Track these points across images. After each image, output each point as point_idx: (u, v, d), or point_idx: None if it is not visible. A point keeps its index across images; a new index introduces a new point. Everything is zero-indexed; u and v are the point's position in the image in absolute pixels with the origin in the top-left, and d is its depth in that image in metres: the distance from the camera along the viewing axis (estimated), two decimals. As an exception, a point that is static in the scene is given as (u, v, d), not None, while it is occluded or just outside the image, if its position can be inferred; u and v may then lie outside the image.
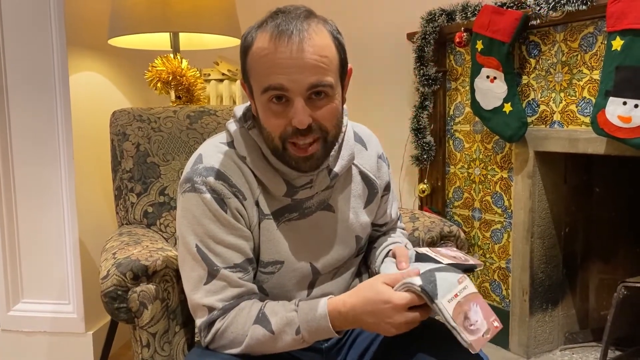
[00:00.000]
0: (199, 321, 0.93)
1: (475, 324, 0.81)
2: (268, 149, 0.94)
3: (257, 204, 0.95)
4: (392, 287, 0.84)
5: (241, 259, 0.93)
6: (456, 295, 0.82)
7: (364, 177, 1.08)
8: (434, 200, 2.27)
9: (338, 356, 1.08)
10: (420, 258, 0.96)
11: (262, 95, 0.87)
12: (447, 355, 0.92)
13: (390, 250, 1.07)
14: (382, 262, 1.08)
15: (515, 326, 1.98)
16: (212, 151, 0.96)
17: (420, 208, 2.31)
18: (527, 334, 1.94)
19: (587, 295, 2.07)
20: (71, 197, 1.89)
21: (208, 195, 0.91)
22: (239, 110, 0.99)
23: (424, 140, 2.20)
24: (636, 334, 1.89)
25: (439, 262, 0.91)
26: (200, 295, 0.91)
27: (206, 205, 0.91)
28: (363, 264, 1.17)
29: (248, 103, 0.99)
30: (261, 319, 0.89)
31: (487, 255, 2.11)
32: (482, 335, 0.81)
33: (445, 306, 0.80)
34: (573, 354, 1.96)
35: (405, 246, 1.12)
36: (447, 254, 0.96)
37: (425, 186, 2.26)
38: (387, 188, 1.14)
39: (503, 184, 2.03)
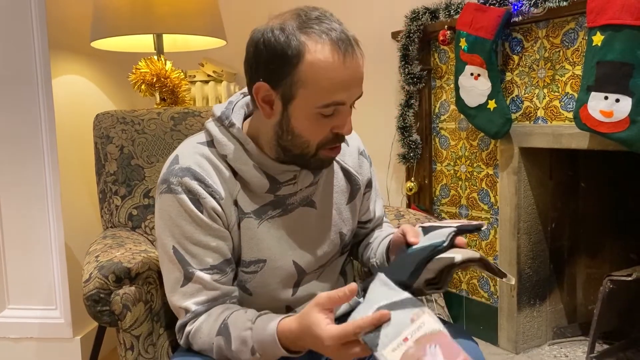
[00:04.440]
0: (177, 323, 0.94)
1: None
2: (257, 147, 0.93)
3: (235, 203, 0.94)
4: (329, 311, 0.77)
5: (218, 260, 0.92)
6: (406, 340, 0.69)
7: (346, 173, 1.08)
8: (422, 198, 2.28)
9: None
10: (427, 230, 0.91)
11: (318, 108, 0.86)
12: None
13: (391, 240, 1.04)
14: (385, 253, 1.05)
15: (503, 322, 1.99)
16: (189, 152, 0.95)
17: (408, 206, 2.32)
18: (515, 330, 1.95)
19: (574, 290, 2.08)
20: (56, 201, 1.87)
21: (184, 196, 0.90)
22: (218, 109, 0.98)
23: (410, 138, 2.21)
24: (623, 327, 1.91)
25: (446, 227, 0.87)
26: (177, 297, 0.92)
27: (182, 206, 0.90)
28: (348, 262, 1.17)
29: (226, 102, 0.99)
30: (223, 331, 0.87)
31: (475, 252, 2.11)
32: None
33: (387, 357, 0.67)
34: (561, 348, 1.97)
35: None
36: (450, 221, 0.93)
37: (412, 184, 2.26)
38: (369, 184, 1.14)
39: (489, 180, 2.04)
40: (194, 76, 2.28)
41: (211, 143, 0.96)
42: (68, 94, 2.02)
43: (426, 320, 0.70)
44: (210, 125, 0.97)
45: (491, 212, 2.04)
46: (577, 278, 2.08)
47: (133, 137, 1.46)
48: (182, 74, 1.88)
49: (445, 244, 0.84)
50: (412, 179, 2.27)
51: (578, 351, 1.93)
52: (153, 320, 1.05)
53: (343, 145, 1.08)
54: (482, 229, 0.92)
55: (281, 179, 0.96)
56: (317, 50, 0.83)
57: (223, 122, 0.96)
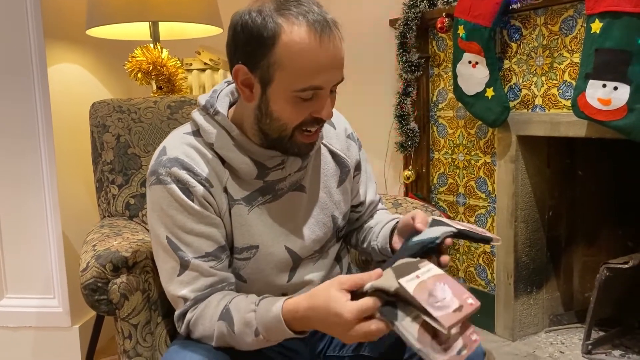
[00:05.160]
0: (176, 312, 0.94)
1: (443, 301, 0.70)
2: (243, 134, 0.94)
3: (225, 190, 0.95)
4: (351, 292, 0.76)
5: (212, 247, 0.92)
6: (417, 277, 0.74)
7: (334, 156, 1.08)
8: (419, 187, 2.27)
9: (321, 342, 1.08)
10: (435, 223, 0.91)
11: (296, 92, 0.85)
12: None
13: (397, 223, 1.03)
14: (389, 236, 1.04)
15: (500, 309, 2.00)
16: (176, 142, 0.95)
17: (406, 195, 2.32)
18: (512, 317, 1.96)
19: (571, 278, 2.09)
20: (53, 190, 1.87)
21: (173, 186, 0.90)
22: (202, 98, 0.98)
23: (408, 127, 2.20)
24: (619, 314, 1.92)
25: (452, 227, 0.87)
26: (175, 286, 0.92)
27: (172, 196, 0.90)
28: (343, 249, 1.17)
29: (211, 91, 0.99)
30: (225, 316, 0.87)
31: (472, 240, 2.12)
32: (453, 312, 0.69)
33: (405, 286, 0.71)
34: (558, 335, 1.99)
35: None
36: (461, 224, 0.92)
37: (410, 173, 2.26)
38: (358, 167, 1.13)
39: (487, 169, 2.04)
40: (191, 64, 2.26)
41: (197, 132, 0.96)
42: (64, 83, 2.01)
43: (431, 267, 0.76)
44: (196, 114, 0.97)
45: (488, 200, 2.04)
46: (574, 266, 2.09)
47: (129, 126, 1.45)
48: (178, 62, 1.87)
49: (437, 241, 0.85)
50: (410, 167, 2.27)
51: (574, 338, 1.95)
52: (151, 308, 1.05)
53: (329, 128, 1.09)
54: (493, 243, 0.90)
55: (269, 165, 0.96)
56: (293, 32, 0.82)
57: (208, 110, 0.96)
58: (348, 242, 1.21)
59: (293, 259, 1.02)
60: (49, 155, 1.85)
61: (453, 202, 2.19)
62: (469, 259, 2.14)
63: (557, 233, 2.04)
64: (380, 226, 1.11)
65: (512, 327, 1.96)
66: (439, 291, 0.71)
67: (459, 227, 0.90)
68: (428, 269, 0.76)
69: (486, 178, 2.04)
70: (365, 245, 1.14)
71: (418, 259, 0.79)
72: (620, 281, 1.76)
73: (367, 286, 0.74)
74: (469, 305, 0.71)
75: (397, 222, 1.04)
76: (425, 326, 0.70)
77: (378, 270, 0.77)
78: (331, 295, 0.76)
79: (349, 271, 1.19)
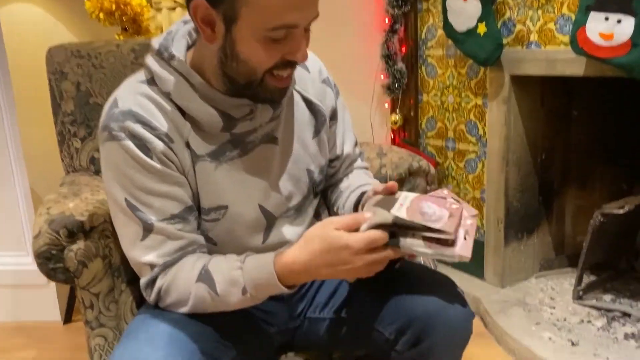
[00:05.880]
0: (142, 279, 0.86)
1: (434, 214, 0.77)
2: (204, 80, 0.83)
3: (187, 145, 0.85)
4: (346, 231, 0.76)
5: (178, 209, 0.84)
6: (401, 205, 0.80)
7: (308, 103, 0.99)
8: (407, 132, 2.19)
9: (301, 303, 1.03)
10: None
11: (266, 31, 0.75)
12: (420, 291, 0.89)
13: (363, 192, 0.97)
14: (354, 208, 0.99)
15: (490, 256, 1.95)
16: (128, 92, 0.85)
17: (393, 140, 2.22)
18: (502, 264, 1.91)
19: (562, 222, 2.04)
20: (16, 143, 1.76)
21: (128, 142, 0.81)
22: (156, 42, 0.87)
23: (395, 67, 2.09)
24: (611, 258, 1.88)
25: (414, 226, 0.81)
26: (139, 252, 0.84)
27: (128, 154, 0.81)
28: (322, 205, 1.09)
29: (164, 33, 0.88)
30: (204, 277, 0.81)
31: (462, 186, 2.05)
32: (448, 219, 0.77)
33: (398, 214, 0.76)
34: (548, 281, 1.95)
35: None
36: (433, 208, 0.83)
37: (397, 117, 2.16)
38: (334, 116, 1.04)
39: (477, 111, 1.94)
40: (160, 2, 2.09)
41: (152, 80, 0.86)
42: (19, 25, 1.85)
43: (406, 193, 0.85)
44: (149, 60, 0.86)
45: (479, 144, 1.95)
46: (566, 210, 2.03)
47: (90, 73, 1.32)
48: (144, 0, 1.71)
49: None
50: (397, 111, 2.17)
51: (565, 283, 1.91)
52: (113, 276, 0.97)
53: (303, 72, 0.99)
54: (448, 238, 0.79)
55: (236, 115, 0.86)
56: None
57: (162, 55, 0.84)
58: (325, 199, 1.12)
59: (267, 218, 0.94)
60: (9, 106, 1.72)
61: (442, 147, 2.10)
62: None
63: (549, 176, 1.96)
64: (347, 193, 1.03)
65: (502, 273, 1.92)
66: (427, 208, 0.79)
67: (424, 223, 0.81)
68: (405, 197, 0.83)
69: (477, 121, 1.95)
70: (335, 209, 1.06)
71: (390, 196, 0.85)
72: (614, 226, 1.70)
73: (363, 227, 0.76)
74: (456, 210, 0.80)
75: (363, 193, 0.97)
76: (428, 239, 0.76)
77: (364, 213, 0.78)
78: (331, 234, 0.75)
79: (330, 228, 1.11)
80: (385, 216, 0.76)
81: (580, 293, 1.76)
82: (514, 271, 1.94)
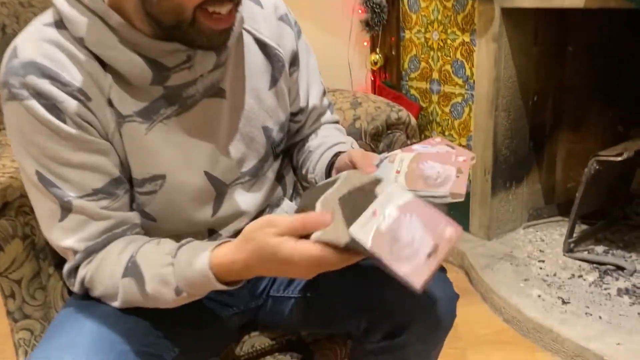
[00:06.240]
0: (65, 266, 0.73)
1: (411, 245, 0.53)
2: (126, 21, 0.67)
3: (110, 103, 0.70)
4: (292, 236, 0.59)
5: (102, 182, 0.70)
6: (375, 214, 0.57)
7: (262, 46, 0.82)
8: (388, 73, 2.04)
9: (263, 280, 0.90)
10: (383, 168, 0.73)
11: None
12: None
13: (338, 152, 0.83)
14: (326, 171, 0.84)
15: (476, 208, 1.83)
16: (31, 38, 0.68)
17: (373, 82, 2.06)
18: (488, 215, 1.80)
19: (553, 168, 1.92)
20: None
21: (33, 102, 0.65)
22: None
23: (374, 0, 1.88)
24: (604, 206, 1.77)
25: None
26: (57, 235, 0.70)
27: (34, 117, 0.65)
28: (286, 166, 0.94)
29: None
30: (132, 271, 0.68)
31: (447, 133, 1.90)
32: (426, 257, 0.53)
33: (359, 237, 0.54)
34: (537, 231, 1.85)
35: (352, 146, 0.88)
36: (425, 160, 0.70)
37: (377, 57, 2.00)
38: (295, 61, 0.87)
39: (464, 49, 1.77)
40: None
41: (61, 23, 0.68)
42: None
43: (395, 188, 0.59)
44: None
45: (466, 86, 1.80)
46: (558, 155, 1.91)
47: (17, 13, 1.13)
48: None
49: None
50: (377, 50, 2.02)
51: (555, 234, 1.81)
52: (38, 258, 0.83)
53: (254, 8, 0.82)
54: (448, 200, 0.67)
55: (169, 64, 0.70)
56: None
57: None
58: (290, 160, 0.97)
59: (216, 187, 0.79)
60: None
61: (426, 90, 1.93)
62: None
63: (541, 120, 1.83)
64: (318, 154, 0.88)
65: (488, 225, 1.81)
66: (429, 170, 0.65)
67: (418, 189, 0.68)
68: (400, 160, 0.68)
69: (464, 61, 1.78)
70: (304, 172, 0.91)
71: (375, 176, 0.62)
72: (610, 174, 1.58)
73: (314, 236, 0.57)
74: (447, 241, 0.54)
75: (336, 154, 0.83)
76: (379, 235, 0.54)
77: (323, 215, 0.58)
78: (269, 242, 0.59)
79: (295, 192, 0.96)
80: (337, 236, 0.56)
81: (572, 245, 1.66)
82: (501, 222, 1.83)
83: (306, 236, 0.58)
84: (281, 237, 0.59)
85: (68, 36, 0.68)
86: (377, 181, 0.60)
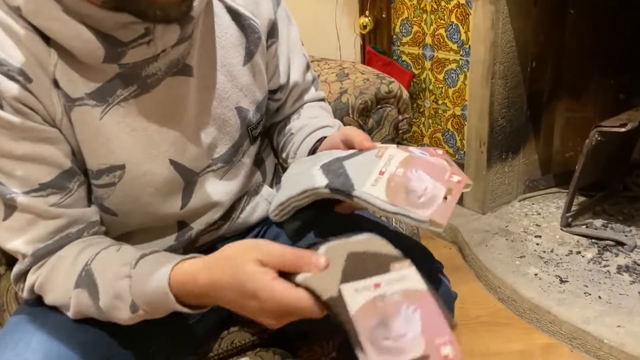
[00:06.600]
0: (13, 269, 0.65)
1: (425, 192, 0.57)
2: None
3: (56, 84, 0.60)
4: (272, 270, 0.52)
5: (51, 175, 0.62)
6: (382, 173, 0.59)
7: (235, 15, 0.72)
8: (378, 37, 1.92)
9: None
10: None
11: None
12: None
13: (322, 138, 0.75)
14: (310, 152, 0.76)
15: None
16: None
17: (363, 47, 1.95)
18: (483, 188, 1.72)
19: (551, 138, 1.84)
20: None
21: None
22: None
23: (363, -42, 1.76)
24: (603, 178, 1.70)
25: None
26: (3, 235, 0.63)
27: None
28: (266, 149, 0.85)
29: None
30: (86, 281, 0.60)
31: (440, 102, 1.80)
32: (444, 200, 0.56)
33: (371, 192, 0.57)
34: (533, 204, 1.78)
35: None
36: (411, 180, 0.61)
37: (367, 20, 1.89)
38: (274, 32, 0.77)
39: (460, 12, 1.66)
40: None
41: None
42: None
43: (393, 152, 0.62)
44: None
45: (461, 52, 1.69)
46: (556, 123, 1.83)
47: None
48: None
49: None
50: (367, 13, 1.90)
51: (552, 206, 1.74)
52: (-14, 257, 0.74)
53: None
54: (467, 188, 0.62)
55: (124, 38, 0.60)
56: None
57: None
58: (270, 141, 0.88)
59: (184, 177, 0.71)
60: None
61: (418, 56, 1.83)
62: (436, 124, 1.85)
63: (539, 87, 1.74)
64: (301, 137, 0.78)
65: (483, 199, 1.73)
66: (415, 182, 0.58)
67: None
68: (389, 157, 0.61)
69: (459, 24, 1.67)
70: (284, 155, 0.83)
71: (400, 254, 0.54)
72: (612, 145, 1.50)
73: (299, 279, 0.51)
74: (457, 184, 0.58)
75: (320, 140, 0.75)
76: (392, 183, 0.58)
77: (319, 257, 0.52)
78: (244, 268, 0.52)
79: (276, 176, 0.87)
80: (324, 287, 0.50)
81: (569, 220, 1.59)
82: (496, 195, 1.76)
83: (285, 275, 0.51)
84: (262, 267, 0.51)
85: (2, 4, 0.58)
86: (399, 258, 0.52)
